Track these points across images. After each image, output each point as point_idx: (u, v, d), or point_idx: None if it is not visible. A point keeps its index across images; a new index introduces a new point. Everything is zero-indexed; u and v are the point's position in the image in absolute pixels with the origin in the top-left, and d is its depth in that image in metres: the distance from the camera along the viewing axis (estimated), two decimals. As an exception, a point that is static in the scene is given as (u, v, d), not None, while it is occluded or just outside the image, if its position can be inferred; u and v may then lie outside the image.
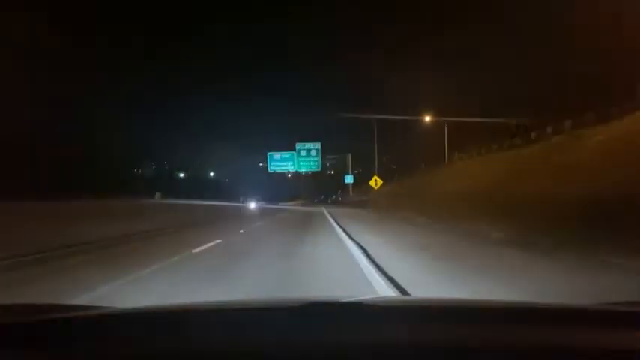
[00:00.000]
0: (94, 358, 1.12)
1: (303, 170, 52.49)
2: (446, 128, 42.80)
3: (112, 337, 1.22)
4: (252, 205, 55.68)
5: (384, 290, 5.55)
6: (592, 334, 1.21)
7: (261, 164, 52.08)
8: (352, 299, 1.59)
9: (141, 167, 51.31)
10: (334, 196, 78.05)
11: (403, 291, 5.45)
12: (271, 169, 51.60)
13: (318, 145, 51.06)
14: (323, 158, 51.18)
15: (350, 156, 51.34)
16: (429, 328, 1.27)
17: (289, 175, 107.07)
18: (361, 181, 53.23)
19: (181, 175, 54.20)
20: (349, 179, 51.91)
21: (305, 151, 50.94)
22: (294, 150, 50.93)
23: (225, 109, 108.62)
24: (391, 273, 6.51)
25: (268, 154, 51.47)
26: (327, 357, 1.08)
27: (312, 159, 50.77)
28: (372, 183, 37.40)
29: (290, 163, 51.12)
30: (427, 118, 43.55)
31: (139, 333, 1.25)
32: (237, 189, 59.33)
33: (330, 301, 1.59)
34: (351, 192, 52.93)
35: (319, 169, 51.32)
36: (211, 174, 54.94)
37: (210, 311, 1.64)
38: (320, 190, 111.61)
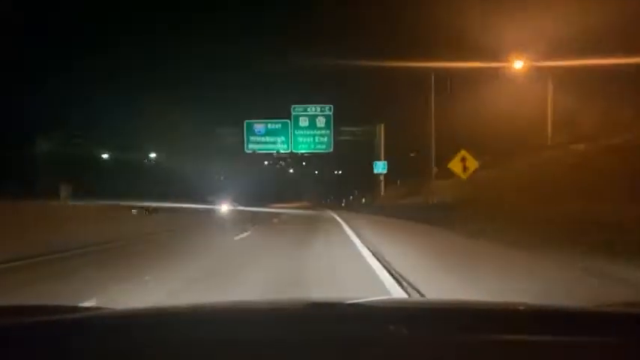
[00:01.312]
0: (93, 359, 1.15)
1: (301, 151, 31.87)
2: (550, 85, 22.48)
3: (111, 339, 1.23)
4: (226, 208, 35.72)
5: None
6: (590, 335, 1.22)
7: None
8: (355, 300, 1.61)
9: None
10: (351, 197, 54.88)
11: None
12: (250, 147, 30.94)
13: (328, 110, 30.23)
14: (335, 132, 30.36)
15: (382, 127, 30.50)
16: (431, 329, 1.28)
17: (291, 171, 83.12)
18: (393, 172, 32.15)
19: (105, 155, 34.08)
20: (380, 167, 31.12)
21: (307, 119, 30.13)
22: (289, 118, 30.27)
23: (182, 55, 68.24)
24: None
25: (245, 123, 30.80)
26: (329, 358, 1.08)
27: (318, 132, 29.98)
28: (454, 166, 17.05)
29: (281, 139, 30.34)
30: (518, 64, 22.69)
31: (138, 334, 1.26)
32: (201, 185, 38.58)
33: (333, 302, 1.59)
34: (382, 189, 31.90)
35: (330, 150, 30.54)
36: (152, 155, 34.94)
37: (211, 312, 1.63)
38: (326, 186, 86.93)
